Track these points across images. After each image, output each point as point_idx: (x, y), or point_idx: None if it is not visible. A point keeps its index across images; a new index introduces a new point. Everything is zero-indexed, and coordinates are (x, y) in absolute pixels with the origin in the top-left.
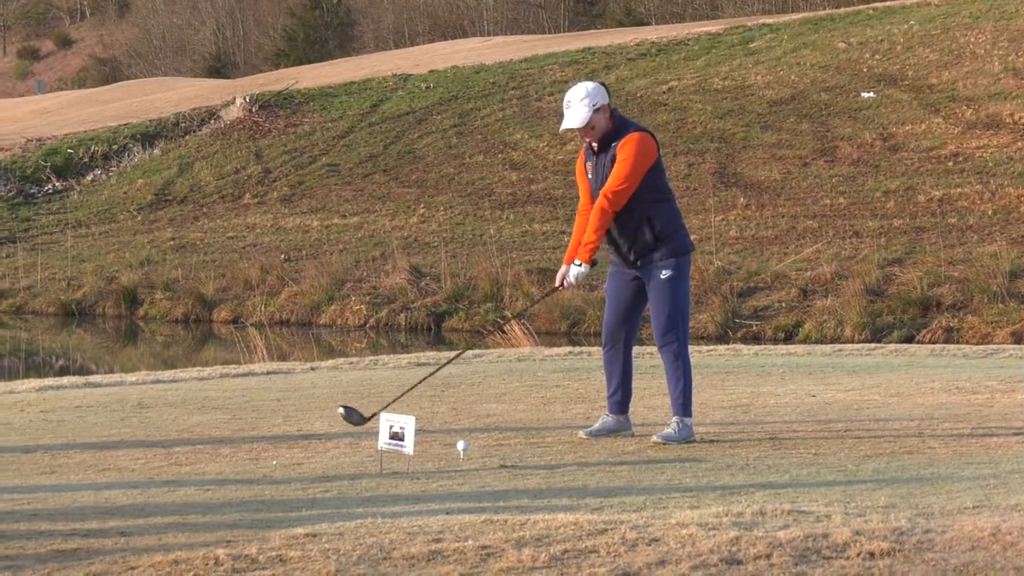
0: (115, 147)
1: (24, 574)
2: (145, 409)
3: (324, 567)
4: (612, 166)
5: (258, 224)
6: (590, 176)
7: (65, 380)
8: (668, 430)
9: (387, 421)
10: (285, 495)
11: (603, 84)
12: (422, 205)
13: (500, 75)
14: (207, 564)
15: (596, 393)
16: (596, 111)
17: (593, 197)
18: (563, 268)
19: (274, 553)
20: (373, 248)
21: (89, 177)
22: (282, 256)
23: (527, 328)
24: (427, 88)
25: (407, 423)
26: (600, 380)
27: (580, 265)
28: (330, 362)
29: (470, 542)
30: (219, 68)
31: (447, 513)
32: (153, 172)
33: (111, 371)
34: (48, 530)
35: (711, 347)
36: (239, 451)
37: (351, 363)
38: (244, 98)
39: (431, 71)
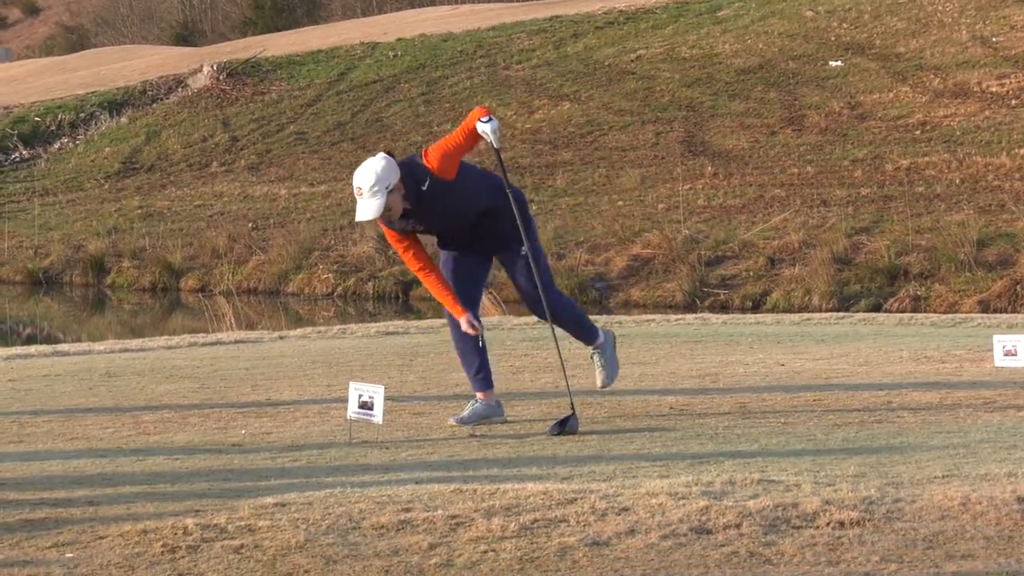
0: (82, 115)
1: None
2: (113, 378)
3: (293, 536)
4: (451, 192)
5: (225, 192)
6: (422, 226)
7: (33, 349)
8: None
9: (356, 390)
10: (254, 464)
11: (390, 153)
12: None
13: (468, 43)
14: (176, 533)
15: (564, 363)
16: (389, 193)
17: (442, 230)
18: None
19: (243, 523)
20: (341, 216)
21: (56, 145)
22: (250, 224)
23: (495, 297)
24: (395, 56)
25: (376, 392)
26: (568, 349)
27: (490, 120)
28: (298, 331)
29: (439, 512)
30: (186, 36)
31: (416, 483)
32: (120, 140)
33: (79, 340)
34: (16, 499)
35: (679, 316)
36: (208, 420)
37: (319, 332)
38: (211, 66)
39: (399, 39)
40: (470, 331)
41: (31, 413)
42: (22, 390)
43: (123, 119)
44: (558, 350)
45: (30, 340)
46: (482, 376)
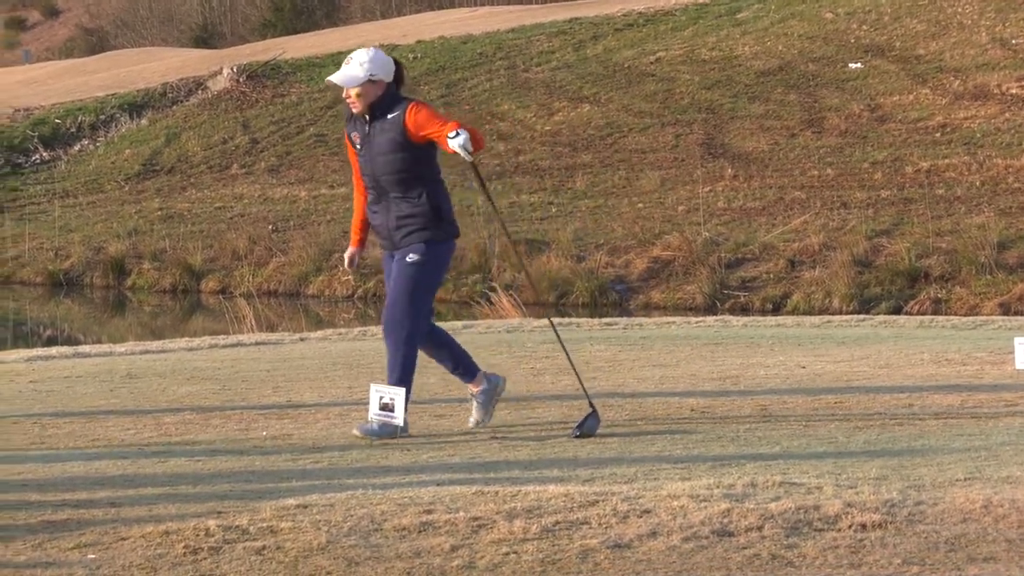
0: (102, 117)
1: (15, 545)
2: (134, 380)
3: (315, 538)
4: (388, 136)
5: (245, 194)
6: (358, 147)
7: (54, 350)
8: (371, 424)
9: (377, 392)
10: (275, 466)
11: (397, 63)
12: None
13: (487, 45)
14: (198, 535)
15: (585, 365)
16: (371, 82)
17: (362, 172)
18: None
19: (265, 524)
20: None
21: (76, 147)
22: (270, 227)
23: (515, 299)
24: (414, 59)
25: (397, 394)
26: (589, 351)
27: (456, 135)
28: (319, 333)
29: (461, 513)
30: (206, 38)
31: (438, 484)
32: (140, 142)
33: (99, 341)
34: (38, 500)
35: (700, 318)
36: (229, 422)
37: (340, 334)
38: (231, 68)
39: (418, 41)
40: (348, 267)
41: (52, 415)
42: (43, 392)
43: (143, 121)
44: (565, 351)
45: (51, 342)
46: (461, 370)
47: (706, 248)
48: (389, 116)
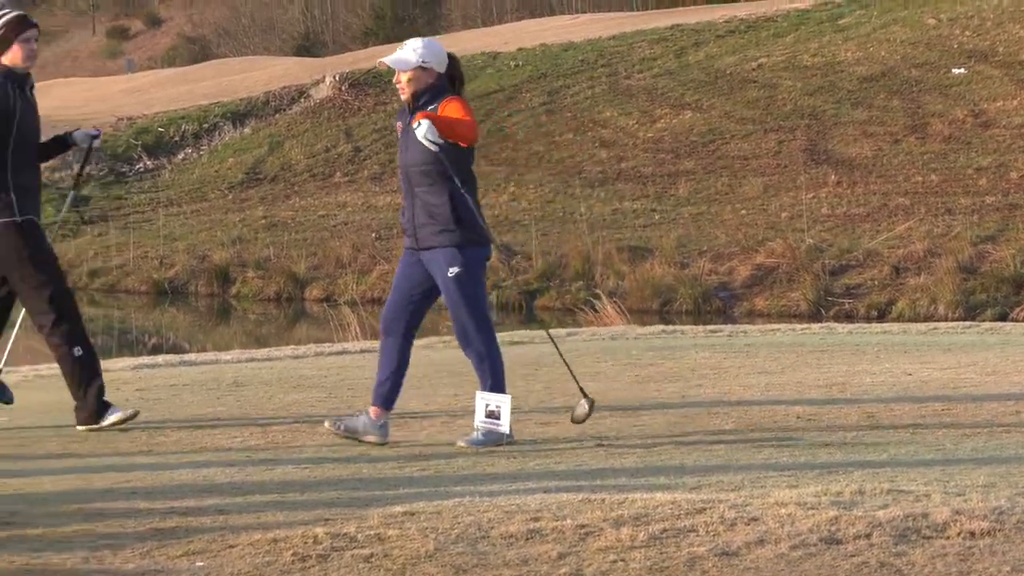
0: (206, 126)
1: (124, 552)
2: (241, 387)
3: (422, 545)
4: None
5: (349, 202)
6: (399, 137)
7: (160, 359)
8: (474, 434)
9: (483, 399)
10: (382, 473)
11: (452, 57)
12: (512, 183)
13: (589, 52)
14: (306, 542)
15: (690, 372)
16: (422, 68)
17: (398, 163)
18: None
19: (372, 531)
20: None
21: (180, 156)
22: (373, 234)
23: (619, 306)
24: (516, 66)
25: (503, 402)
26: (694, 358)
27: (419, 125)
28: (423, 340)
29: (568, 521)
30: (308, 47)
31: (544, 491)
32: (244, 151)
33: (205, 349)
34: (147, 508)
35: (805, 325)
36: None
37: (444, 342)
38: (333, 76)
39: (520, 49)
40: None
41: (159, 423)
42: (150, 400)
43: (246, 130)
44: (557, 349)
45: (156, 350)
46: (381, 390)
47: (810, 255)
48: (429, 108)
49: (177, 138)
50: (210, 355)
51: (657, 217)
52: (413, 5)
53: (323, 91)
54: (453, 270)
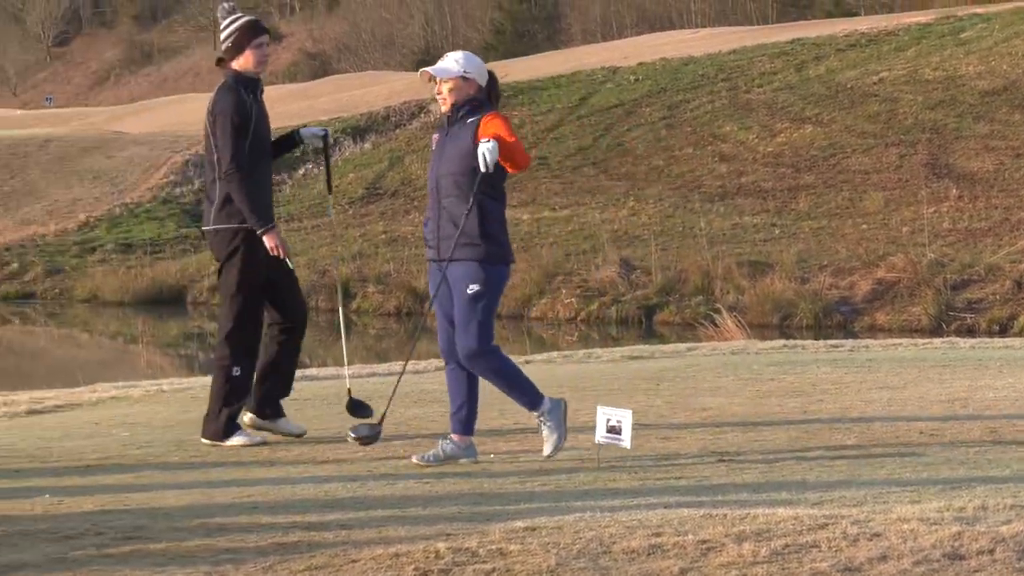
0: None
1: (245, 567)
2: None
3: (544, 561)
4: (462, 139)
5: None
6: (434, 148)
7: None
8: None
9: (604, 414)
10: (503, 488)
11: (492, 74)
12: (632, 198)
13: (709, 67)
14: (427, 557)
15: (812, 387)
16: (464, 79)
17: (429, 174)
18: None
19: (494, 546)
20: (583, 241)
21: (301, 171)
22: None
23: (739, 321)
24: (635, 80)
25: (624, 417)
26: (815, 373)
27: (487, 141)
28: (543, 355)
29: (690, 536)
30: (427, 62)
31: (665, 507)
32: (364, 166)
33: (325, 364)
34: (269, 523)
35: (926, 340)
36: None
37: (565, 356)
38: None
39: (639, 63)
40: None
41: (278, 437)
42: None
43: (366, 145)
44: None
45: None
46: (458, 417)
47: (931, 269)
48: (468, 120)
49: (298, 153)
50: (331, 370)
51: (777, 232)
52: (532, 20)
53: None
54: (473, 287)
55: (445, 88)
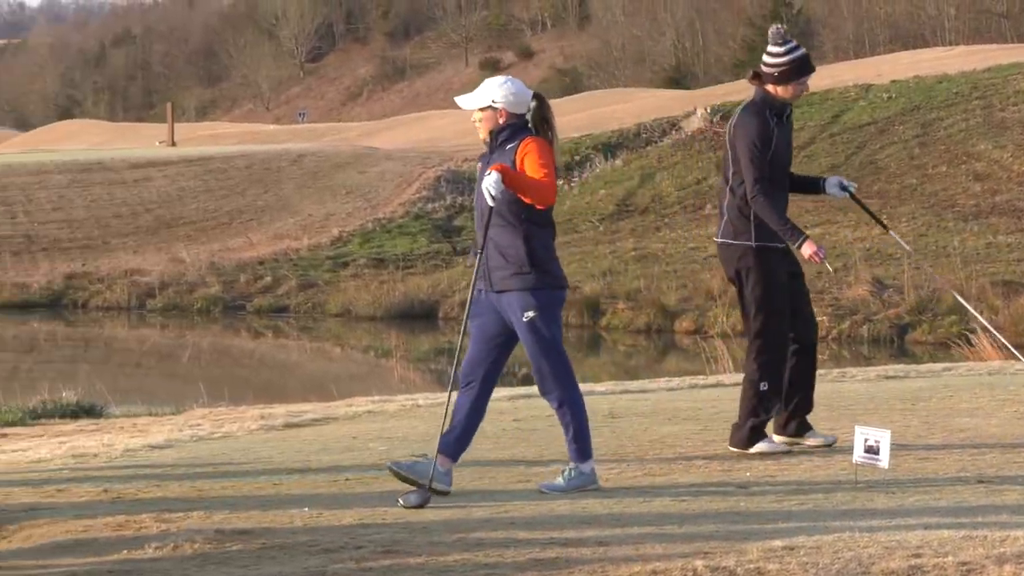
0: (577, 158)
1: None
2: (616, 419)
3: None
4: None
5: None
6: (478, 177)
7: (533, 389)
8: (557, 479)
9: (861, 434)
10: (760, 507)
11: (540, 99)
12: (884, 216)
13: (963, 85)
14: (685, 574)
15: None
16: (491, 108)
17: (476, 203)
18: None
19: (752, 565)
20: (835, 259)
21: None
22: None
23: (997, 341)
24: (888, 98)
25: (882, 437)
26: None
27: (490, 174)
28: None
29: (950, 558)
30: (678, 79)
31: (925, 528)
32: (614, 183)
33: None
34: (525, 538)
35: None
36: (711, 462)
37: (820, 375)
38: (704, 109)
39: (892, 81)
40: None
41: (536, 455)
42: (526, 430)
43: (617, 161)
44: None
45: (527, 380)
46: (449, 438)
47: None
48: (507, 147)
49: None
50: (583, 387)
51: None
52: None
53: (694, 123)
54: (528, 315)
55: (476, 118)
